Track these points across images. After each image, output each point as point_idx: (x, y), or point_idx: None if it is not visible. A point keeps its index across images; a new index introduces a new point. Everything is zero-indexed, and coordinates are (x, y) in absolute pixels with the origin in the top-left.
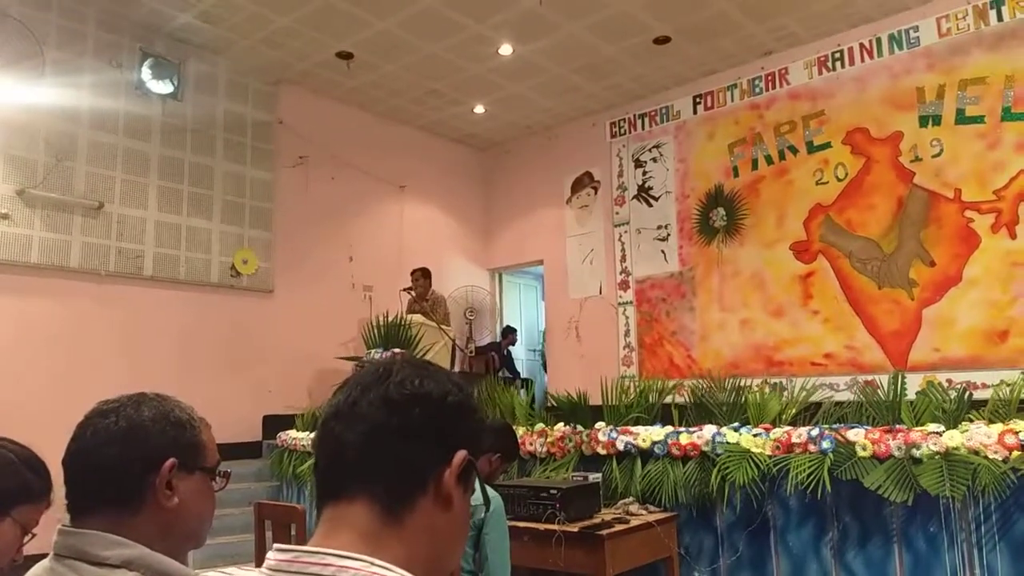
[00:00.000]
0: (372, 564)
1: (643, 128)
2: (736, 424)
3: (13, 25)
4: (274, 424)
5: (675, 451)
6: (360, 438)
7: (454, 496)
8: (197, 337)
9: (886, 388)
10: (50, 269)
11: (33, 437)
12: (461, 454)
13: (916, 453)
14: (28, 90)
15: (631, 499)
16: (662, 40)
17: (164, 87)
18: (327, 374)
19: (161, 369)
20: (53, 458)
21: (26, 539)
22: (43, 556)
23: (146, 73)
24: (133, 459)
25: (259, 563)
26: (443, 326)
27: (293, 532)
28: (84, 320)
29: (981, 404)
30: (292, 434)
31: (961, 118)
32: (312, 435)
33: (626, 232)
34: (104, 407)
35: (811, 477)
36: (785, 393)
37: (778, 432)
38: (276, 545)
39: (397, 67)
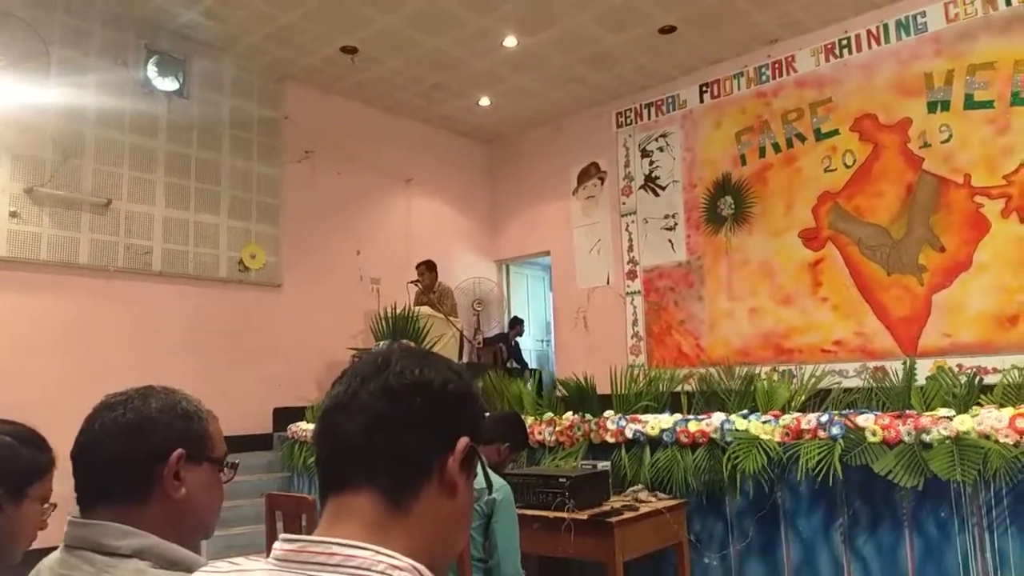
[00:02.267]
0: (378, 553)
1: (649, 118)
2: (745, 411)
3: (19, 25)
4: (284, 416)
5: (684, 439)
6: (362, 429)
7: (458, 483)
8: (206, 332)
9: (896, 374)
10: (59, 266)
11: (43, 432)
12: (464, 440)
13: (926, 438)
14: (35, 89)
15: (640, 486)
16: (667, 29)
17: (170, 84)
18: (336, 366)
19: (171, 364)
20: (63, 453)
21: (46, 507)
22: (52, 549)
23: (152, 71)
24: (141, 450)
25: (270, 553)
26: (451, 318)
27: (304, 523)
28: (93, 316)
29: (991, 389)
30: (302, 426)
31: (970, 103)
32: None
33: (633, 222)
34: (111, 400)
35: (821, 463)
36: (794, 380)
37: (787, 419)
38: (282, 535)
39: (402, 61)
